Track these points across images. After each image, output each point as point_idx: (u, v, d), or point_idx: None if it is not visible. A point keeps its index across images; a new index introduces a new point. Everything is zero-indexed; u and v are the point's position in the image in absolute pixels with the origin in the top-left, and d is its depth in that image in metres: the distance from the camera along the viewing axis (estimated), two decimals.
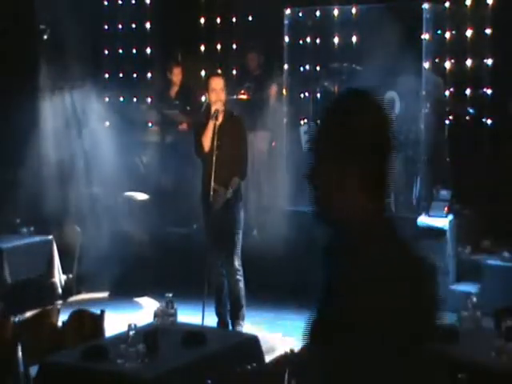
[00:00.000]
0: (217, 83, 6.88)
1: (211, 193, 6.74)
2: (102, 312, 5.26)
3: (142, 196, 9.90)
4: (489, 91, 9.44)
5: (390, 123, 2.05)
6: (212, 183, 6.72)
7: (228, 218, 6.86)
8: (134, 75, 11.10)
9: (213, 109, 6.85)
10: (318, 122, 2.07)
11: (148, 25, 11.01)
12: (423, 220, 8.46)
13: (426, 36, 8.79)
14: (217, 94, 6.84)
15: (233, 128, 6.92)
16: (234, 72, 10.43)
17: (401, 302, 1.94)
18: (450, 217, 8.55)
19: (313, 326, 2.07)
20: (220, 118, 6.90)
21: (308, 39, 10.12)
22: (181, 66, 10.42)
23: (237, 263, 6.88)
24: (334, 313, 1.99)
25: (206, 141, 6.85)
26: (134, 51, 11.06)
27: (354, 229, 2.05)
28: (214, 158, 6.72)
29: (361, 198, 2.03)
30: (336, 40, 9.80)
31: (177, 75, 10.31)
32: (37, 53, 9.66)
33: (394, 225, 2.08)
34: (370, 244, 2.00)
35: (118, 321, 5.98)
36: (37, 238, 8.30)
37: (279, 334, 7.40)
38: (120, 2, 11.10)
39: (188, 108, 10.17)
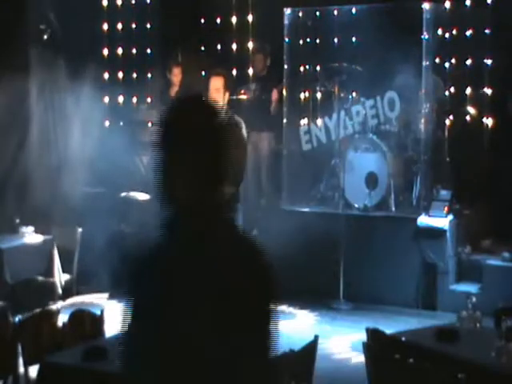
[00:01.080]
0: (213, 83, 6.70)
1: None
2: (102, 312, 5.26)
3: (142, 196, 9.90)
4: (489, 91, 9.45)
5: (227, 125, 2.29)
6: None
7: None
8: (134, 75, 11.09)
9: None
10: (163, 119, 2.27)
11: (148, 25, 11.01)
12: (423, 220, 8.46)
13: (425, 36, 8.79)
14: (210, 93, 6.67)
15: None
16: (234, 72, 10.43)
17: (230, 294, 2.15)
18: (450, 217, 8.55)
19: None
20: None
21: (308, 39, 10.13)
22: (181, 66, 10.42)
23: None
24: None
25: None
26: (134, 51, 11.06)
27: (189, 216, 2.24)
28: None
29: (199, 189, 2.24)
30: (336, 40, 9.80)
31: (176, 75, 10.32)
32: (29, 52, 9.64)
33: (230, 217, 2.31)
34: (202, 232, 2.21)
35: (118, 321, 5.98)
36: (37, 238, 8.30)
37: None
38: (120, 2, 11.10)
39: None
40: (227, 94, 6.79)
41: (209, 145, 2.24)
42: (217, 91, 6.66)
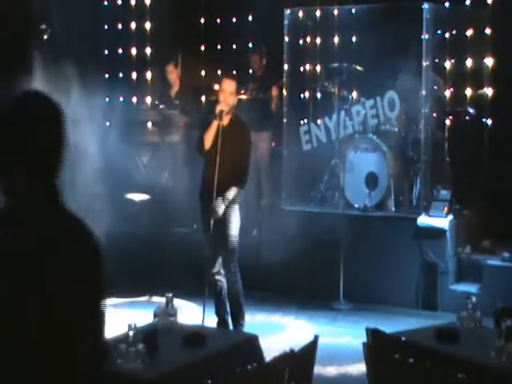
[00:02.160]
0: (227, 85, 6.81)
1: (213, 198, 6.66)
2: None
3: (142, 196, 9.90)
4: (489, 91, 9.45)
5: (58, 124, 2.40)
6: (214, 194, 6.64)
7: (224, 221, 6.79)
8: (134, 75, 11.10)
9: (218, 109, 6.80)
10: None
11: (148, 25, 11.01)
12: (423, 220, 8.46)
13: (425, 36, 8.79)
14: (224, 95, 6.78)
15: (237, 134, 6.81)
16: (234, 72, 10.44)
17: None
18: (450, 217, 8.55)
19: None
20: (226, 121, 6.85)
21: (308, 39, 10.13)
22: (176, 66, 10.42)
23: (232, 266, 6.83)
24: None
25: (208, 139, 6.80)
26: (134, 51, 11.07)
27: (21, 207, 2.34)
28: (218, 161, 6.65)
29: (29, 185, 2.33)
30: (336, 40, 9.80)
31: (172, 74, 10.31)
32: (32, 53, 9.63)
33: (66, 211, 2.42)
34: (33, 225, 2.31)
35: (117, 321, 5.98)
36: None
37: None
38: (120, 2, 11.10)
39: (188, 108, 10.17)
40: (236, 97, 6.95)
41: (31, 140, 2.30)
42: (231, 94, 6.79)
